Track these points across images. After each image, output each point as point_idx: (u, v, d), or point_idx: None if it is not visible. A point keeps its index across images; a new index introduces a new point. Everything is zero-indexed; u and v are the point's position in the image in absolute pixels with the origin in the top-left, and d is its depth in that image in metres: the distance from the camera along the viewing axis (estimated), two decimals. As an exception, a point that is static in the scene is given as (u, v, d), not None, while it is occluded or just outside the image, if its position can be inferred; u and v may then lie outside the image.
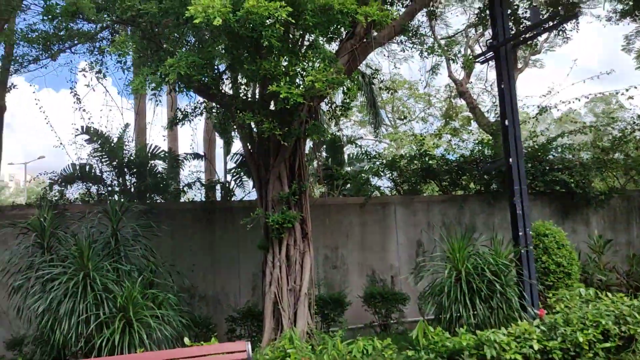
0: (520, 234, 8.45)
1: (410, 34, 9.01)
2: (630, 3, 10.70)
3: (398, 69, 32.63)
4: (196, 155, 14.89)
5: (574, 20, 11.56)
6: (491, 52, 9.00)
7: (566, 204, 13.28)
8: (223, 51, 7.49)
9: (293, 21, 6.78)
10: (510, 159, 8.57)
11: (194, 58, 7.10)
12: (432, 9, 11.53)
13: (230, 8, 6.55)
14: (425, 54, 8.74)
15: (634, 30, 19.40)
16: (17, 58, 9.40)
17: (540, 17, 8.44)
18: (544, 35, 17.91)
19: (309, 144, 17.96)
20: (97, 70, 7.70)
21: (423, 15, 12.08)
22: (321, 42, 8.02)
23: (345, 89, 8.13)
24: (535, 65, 21.21)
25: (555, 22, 8.83)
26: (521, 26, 11.18)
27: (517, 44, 9.94)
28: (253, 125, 8.84)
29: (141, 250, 8.37)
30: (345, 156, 17.57)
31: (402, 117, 27.25)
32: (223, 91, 8.52)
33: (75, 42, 8.98)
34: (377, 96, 20.71)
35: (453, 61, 8.99)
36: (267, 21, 6.79)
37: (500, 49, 8.65)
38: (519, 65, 16.99)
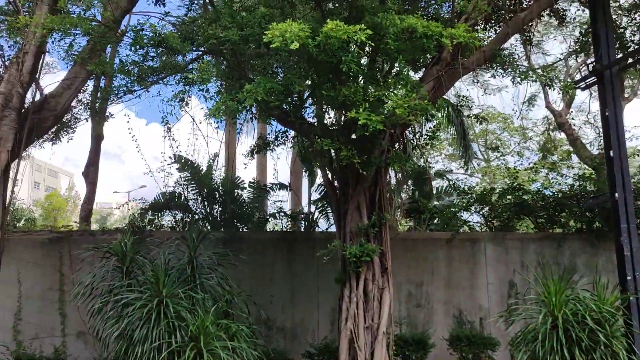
0: (628, 278, 7.47)
1: (501, 60, 8.44)
2: None
3: (489, 95, 31.42)
4: (281, 186, 14.88)
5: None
6: (593, 77, 8.22)
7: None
8: (302, 77, 7.35)
9: (372, 44, 6.51)
10: (617, 194, 7.67)
11: (272, 84, 7.01)
12: (527, 35, 10.85)
13: (309, 32, 6.39)
14: (518, 79, 8.11)
15: None
16: (114, 89, 9.85)
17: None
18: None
19: (393, 174, 17.62)
20: (179, 99, 7.82)
21: (517, 40, 11.41)
22: (405, 69, 7.67)
23: (429, 116, 7.69)
24: (645, 95, 19.56)
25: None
26: (628, 50, 10.24)
27: (623, 68, 9.05)
28: (333, 154, 8.60)
29: (217, 279, 8.27)
30: (434, 190, 16.98)
31: (494, 148, 26.02)
32: (303, 118, 8.36)
33: (165, 74, 9.27)
34: (468, 129, 20.01)
35: (549, 86, 8.29)
36: (350, 46, 6.59)
37: (605, 72, 7.86)
38: (626, 95, 15.66)
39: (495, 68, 8.72)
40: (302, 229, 13.52)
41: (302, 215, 14.40)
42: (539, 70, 10.87)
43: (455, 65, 8.36)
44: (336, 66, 6.99)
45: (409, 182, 16.82)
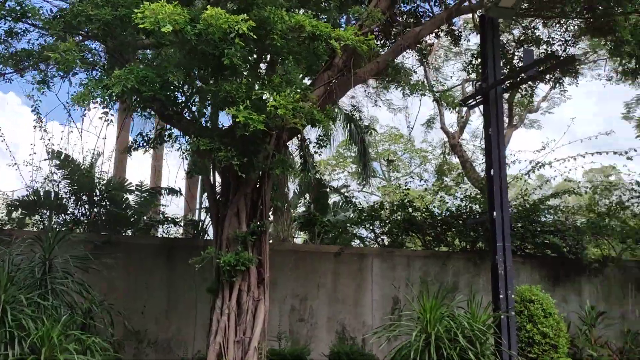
0: (501, 296, 7.51)
1: (394, 71, 8.34)
2: (634, 61, 10.10)
3: (394, 116, 32.22)
4: (171, 190, 14.06)
5: (573, 74, 10.98)
6: (480, 96, 8.32)
7: (558, 269, 12.34)
8: (180, 67, 6.79)
9: (256, 38, 6.11)
10: (495, 213, 7.73)
11: (147, 72, 6.41)
12: (423, 52, 10.95)
13: (187, 17, 5.89)
14: (408, 92, 8.04)
15: (635, 97, 19.00)
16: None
17: (533, 58, 7.81)
18: (541, 93, 17.44)
19: (292, 186, 17.25)
20: (38, 81, 6.96)
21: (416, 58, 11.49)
22: (295, 70, 7.33)
23: (316, 122, 7.38)
24: (532, 126, 20.70)
25: (551, 64, 8.17)
26: (514, 71, 10.59)
27: (508, 88, 9.29)
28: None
29: (74, 285, 7.41)
30: (331, 204, 16.84)
31: (389, 161, 26.50)
32: (181, 113, 7.75)
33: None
34: (369, 147, 20.20)
35: (438, 102, 8.30)
36: (233, 38, 6.14)
37: (490, 92, 7.97)
38: (514, 122, 16.40)
39: (385, 80, 8.61)
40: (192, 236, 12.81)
41: (190, 222, 13.67)
42: (435, 89, 11.04)
43: (348, 72, 8.17)
44: (218, 59, 6.53)
45: (306, 196, 16.62)
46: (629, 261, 13.12)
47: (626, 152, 12.04)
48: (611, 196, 13.32)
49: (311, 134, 13.45)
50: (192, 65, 7.20)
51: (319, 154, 9.44)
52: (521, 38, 11.22)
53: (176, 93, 7.48)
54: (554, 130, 46.88)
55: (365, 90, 14.98)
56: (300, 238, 18.13)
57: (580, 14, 9.82)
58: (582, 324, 11.03)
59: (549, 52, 9.79)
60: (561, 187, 13.29)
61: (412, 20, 10.03)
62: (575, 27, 10.93)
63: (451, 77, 18.10)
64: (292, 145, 15.26)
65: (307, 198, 16.55)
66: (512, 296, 7.78)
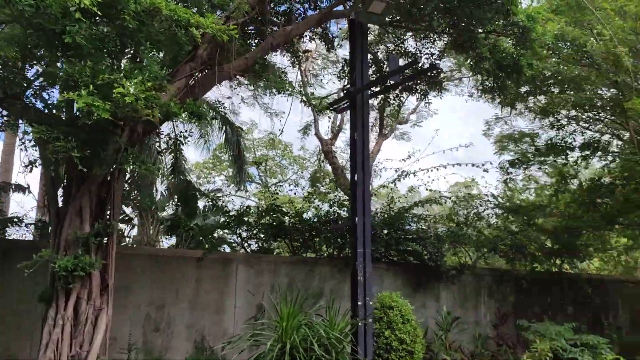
0: (359, 303, 7.42)
1: (261, 69, 7.99)
2: (492, 79, 10.66)
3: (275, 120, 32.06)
4: (17, 187, 12.61)
5: (438, 87, 11.39)
6: (348, 101, 8.24)
7: (419, 276, 12.71)
8: (14, 43, 5.92)
9: (102, 15, 5.47)
10: (357, 217, 7.65)
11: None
12: (299, 53, 10.77)
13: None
14: (275, 91, 7.74)
15: (493, 116, 20.39)
16: None
17: (399, 64, 7.87)
18: (412, 106, 18.10)
19: (161, 187, 16.31)
20: None
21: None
22: (150, 56, 6.72)
23: (173, 115, 6.82)
24: (403, 138, 21.47)
25: (414, 70, 8.31)
26: (381, 76, 10.74)
27: (375, 94, 9.35)
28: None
29: None
30: (203, 207, 16.16)
31: (257, 163, 26.31)
32: (14, 96, 6.80)
33: None
34: (245, 150, 19.78)
35: (305, 104, 8.09)
36: (75, 14, 5.43)
37: (357, 96, 7.90)
38: (385, 132, 16.84)
39: (255, 77, 8.23)
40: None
41: (40, 222, 12.31)
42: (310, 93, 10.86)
43: (213, 66, 7.69)
44: (59, 36, 5.77)
45: (174, 198, 15.79)
46: (483, 268, 13.90)
47: (483, 165, 12.74)
48: (469, 207, 14.04)
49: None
50: (30, 43, 6.34)
51: (181, 152, 8.81)
52: (394, 51, 11.45)
53: (8, 73, 6.53)
54: (423, 143, 49.64)
55: (232, 88, 14.50)
56: (167, 242, 17.21)
57: (446, 30, 10.18)
58: (439, 329, 11.41)
59: (417, 64, 10.02)
60: (428, 197, 13.77)
61: (284, 19, 9.79)
62: (443, 42, 11.37)
63: (327, 83, 18.23)
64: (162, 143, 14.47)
65: (176, 200, 15.75)
66: (371, 303, 7.73)
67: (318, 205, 13.54)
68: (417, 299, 12.35)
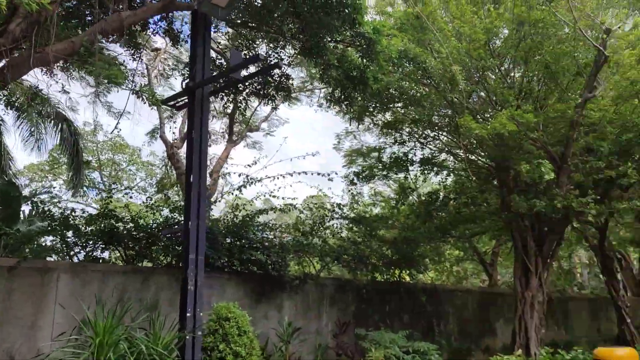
0: (188, 314, 6.84)
1: (89, 54, 7.14)
2: (339, 90, 10.76)
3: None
4: None
5: (286, 94, 11.23)
6: (186, 97, 7.67)
7: (263, 286, 12.37)
8: None
9: None
10: (190, 222, 7.08)
11: None
12: (140, 44, 9.95)
13: None
14: (104, 80, 6.94)
15: (343, 130, 20.96)
16: None
17: (242, 59, 7.49)
18: (263, 113, 17.90)
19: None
20: None
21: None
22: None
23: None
24: (254, 146, 21.23)
25: (256, 67, 7.98)
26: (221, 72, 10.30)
27: (216, 91, 8.86)
28: None
29: None
30: (28, 212, 14.39)
31: (86, 162, 24.59)
32: None
33: None
34: (84, 151, 18.14)
35: (137, 96, 7.34)
36: None
37: (197, 91, 7.37)
38: (234, 138, 16.40)
39: (79, 61, 7.34)
40: None
41: None
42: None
43: (28, 45, 6.71)
44: None
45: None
46: (326, 278, 13.96)
47: (329, 175, 12.83)
48: (315, 216, 14.07)
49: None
50: None
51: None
52: (244, 53, 11.10)
53: None
54: (276, 152, 49.97)
55: (52, 75, 13.20)
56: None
57: (296, 36, 10.06)
58: (279, 340, 11.13)
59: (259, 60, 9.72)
60: (271, 206, 13.53)
61: (122, 7, 8.96)
62: (293, 50, 11.27)
63: (179, 84, 17.38)
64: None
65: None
66: (202, 314, 7.18)
67: (155, 212, 12.65)
68: (260, 310, 12.00)
